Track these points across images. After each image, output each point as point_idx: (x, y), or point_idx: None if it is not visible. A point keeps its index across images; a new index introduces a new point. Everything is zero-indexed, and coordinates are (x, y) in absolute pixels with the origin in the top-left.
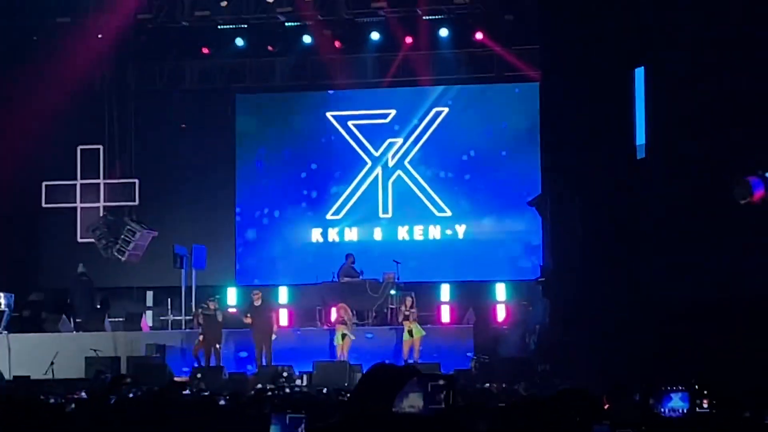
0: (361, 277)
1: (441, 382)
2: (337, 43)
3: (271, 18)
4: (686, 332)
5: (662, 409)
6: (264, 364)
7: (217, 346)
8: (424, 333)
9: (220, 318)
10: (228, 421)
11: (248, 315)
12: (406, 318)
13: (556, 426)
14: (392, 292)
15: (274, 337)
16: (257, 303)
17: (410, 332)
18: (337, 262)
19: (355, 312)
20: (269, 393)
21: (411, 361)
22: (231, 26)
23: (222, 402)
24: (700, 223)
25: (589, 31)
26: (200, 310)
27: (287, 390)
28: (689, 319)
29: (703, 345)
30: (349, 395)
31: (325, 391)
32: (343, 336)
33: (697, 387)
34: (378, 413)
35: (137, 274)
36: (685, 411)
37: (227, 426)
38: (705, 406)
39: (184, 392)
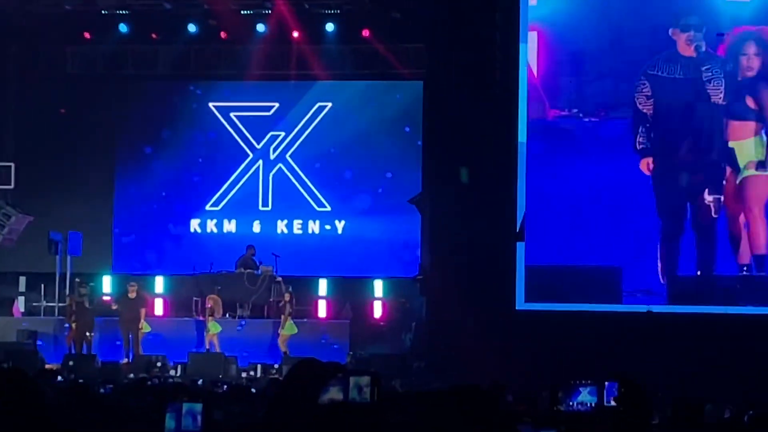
0: (258, 270)
1: (366, 377)
2: (222, 34)
3: (156, 5)
4: (560, 336)
5: (570, 403)
6: (132, 353)
7: (88, 334)
8: (295, 331)
9: (87, 305)
10: (110, 409)
11: (116, 302)
12: (284, 312)
13: (454, 420)
14: (271, 285)
15: (146, 329)
16: (132, 296)
17: (283, 327)
18: (214, 253)
19: (225, 303)
20: (149, 382)
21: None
22: (114, 11)
23: (102, 390)
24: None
25: (474, 30)
26: (74, 296)
27: (162, 380)
28: (560, 324)
29: (578, 349)
30: (274, 390)
31: (200, 382)
32: (209, 328)
33: (606, 383)
34: (304, 407)
35: (10, 259)
36: (593, 405)
37: (110, 414)
38: (612, 402)
39: (57, 380)
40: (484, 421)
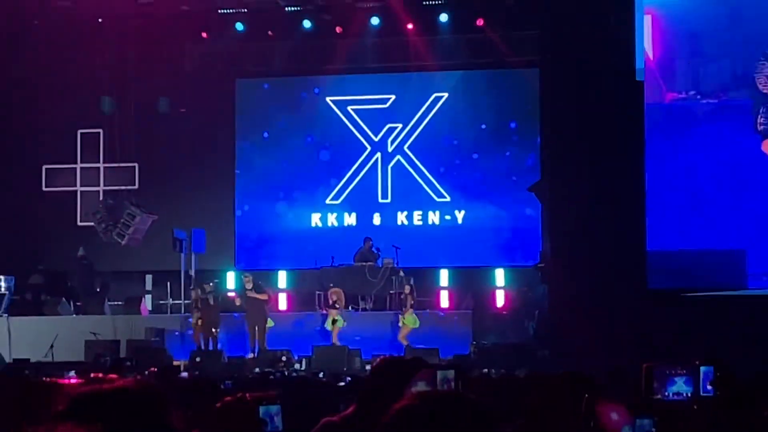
0: (379, 260)
1: (451, 371)
2: (338, 29)
3: (271, 2)
4: (685, 321)
5: (666, 393)
6: (258, 348)
7: (214, 330)
8: (417, 325)
9: (212, 302)
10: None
11: (240, 297)
12: (405, 305)
13: (559, 404)
14: (391, 277)
15: (270, 324)
16: (248, 287)
17: (404, 322)
18: (336, 247)
19: (347, 296)
20: (271, 377)
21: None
22: (231, 10)
23: (222, 386)
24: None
25: (589, 15)
26: (198, 292)
27: (286, 374)
28: (686, 308)
29: (703, 334)
30: (359, 386)
31: (321, 375)
32: (334, 321)
33: (702, 369)
34: (389, 403)
35: (136, 258)
36: (689, 395)
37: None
38: (709, 388)
39: (181, 375)
40: (576, 405)
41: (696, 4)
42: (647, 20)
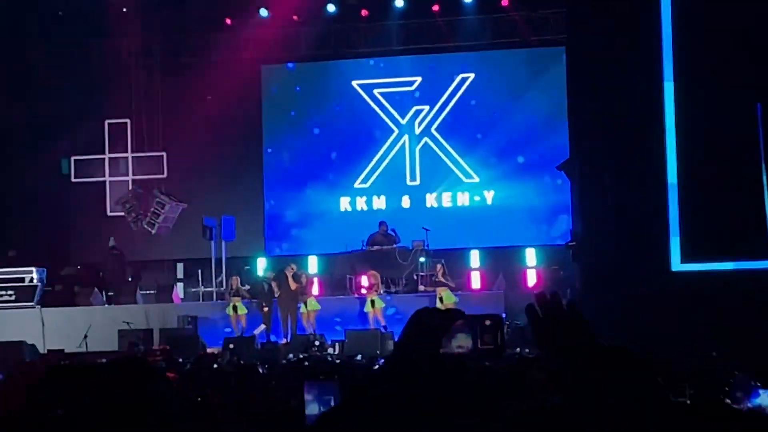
0: (397, 243)
1: (488, 322)
2: (363, 12)
3: None
4: (716, 309)
5: (748, 404)
6: (291, 334)
7: (266, 309)
8: (456, 299)
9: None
10: (265, 388)
11: (277, 286)
12: (441, 284)
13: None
14: (421, 259)
15: (316, 307)
16: (290, 274)
17: (441, 299)
18: (365, 231)
19: (384, 279)
20: (306, 363)
21: None
22: None
23: (261, 370)
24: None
25: None
26: (271, 275)
27: (321, 359)
28: (721, 296)
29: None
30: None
31: (359, 358)
32: (373, 303)
33: None
34: (425, 355)
35: (167, 247)
36: None
37: (265, 393)
38: None
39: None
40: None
41: None
42: None
